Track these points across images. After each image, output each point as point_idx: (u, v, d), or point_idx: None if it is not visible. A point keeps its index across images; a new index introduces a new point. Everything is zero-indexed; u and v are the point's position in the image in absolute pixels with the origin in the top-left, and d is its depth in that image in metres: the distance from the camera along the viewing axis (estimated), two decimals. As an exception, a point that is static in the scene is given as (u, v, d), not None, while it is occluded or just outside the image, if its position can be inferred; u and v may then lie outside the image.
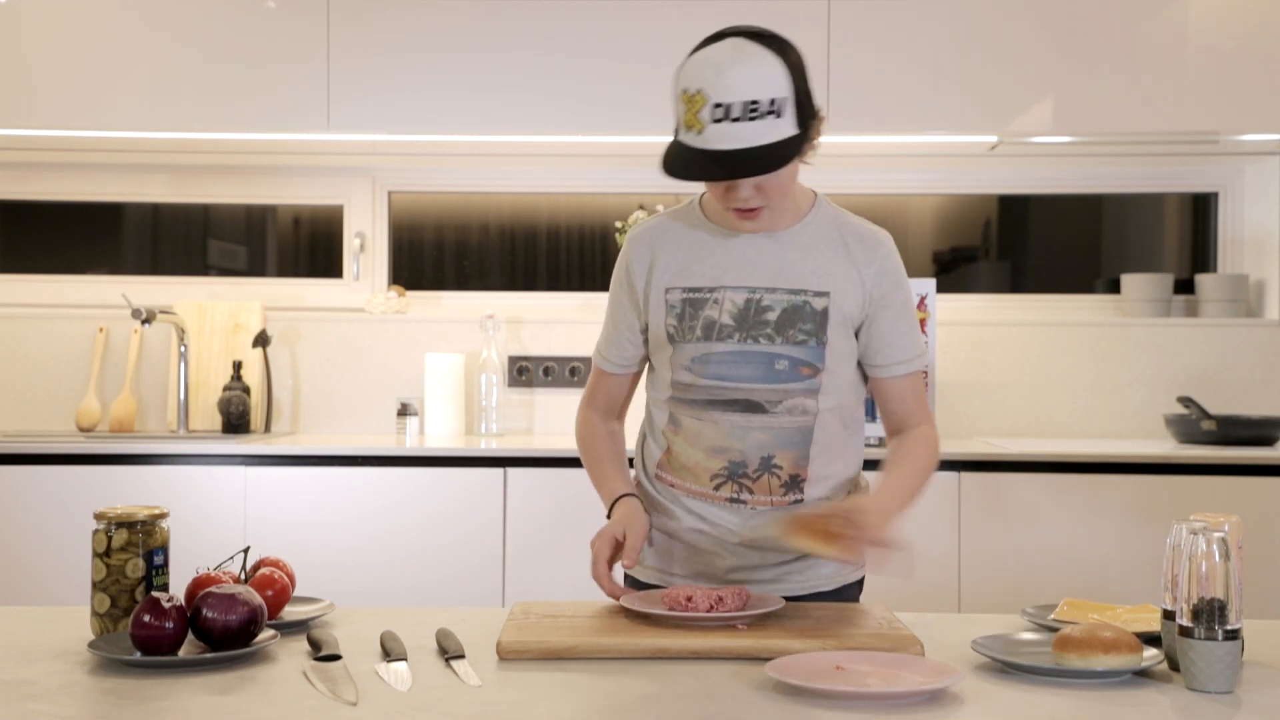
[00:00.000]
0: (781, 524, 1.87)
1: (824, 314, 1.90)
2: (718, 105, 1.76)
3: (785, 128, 1.79)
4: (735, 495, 1.96)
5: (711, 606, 1.74)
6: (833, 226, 1.96)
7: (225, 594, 1.60)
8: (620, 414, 2.13)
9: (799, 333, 1.90)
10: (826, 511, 1.83)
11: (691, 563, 2.02)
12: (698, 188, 2.00)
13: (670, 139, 1.86)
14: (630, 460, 2.11)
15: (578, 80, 3.78)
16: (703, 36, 1.86)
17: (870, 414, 3.61)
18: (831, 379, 1.93)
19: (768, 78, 1.77)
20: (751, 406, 1.92)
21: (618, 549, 1.91)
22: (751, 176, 1.81)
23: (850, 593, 2.05)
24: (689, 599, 1.75)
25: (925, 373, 2.01)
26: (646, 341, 2.03)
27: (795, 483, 1.95)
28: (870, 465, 2.06)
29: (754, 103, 1.76)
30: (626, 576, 2.07)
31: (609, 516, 1.99)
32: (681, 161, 1.81)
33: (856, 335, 1.96)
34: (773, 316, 1.90)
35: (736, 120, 1.76)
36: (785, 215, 1.94)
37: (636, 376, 2.10)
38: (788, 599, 1.88)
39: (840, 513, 1.80)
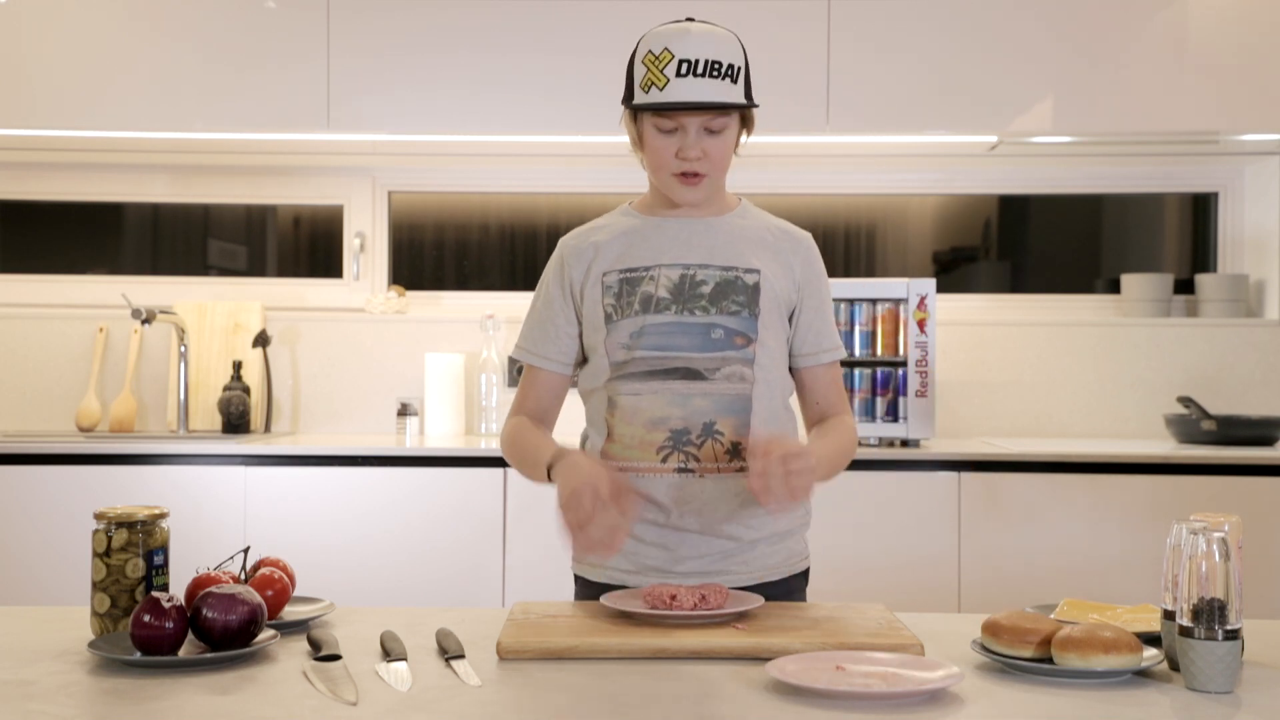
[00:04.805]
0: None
1: (755, 288, 1.97)
2: (684, 61, 1.88)
3: (737, 95, 1.93)
4: (683, 465, 1.96)
5: (695, 605, 1.74)
6: (759, 223, 2.05)
7: (225, 594, 1.60)
8: (549, 424, 2.08)
9: (732, 304, 1.97)
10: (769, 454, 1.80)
11: (636, 557, 1.99)
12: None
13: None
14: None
15: (578, 80, 3.78)
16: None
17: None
18: (765, 352, 1.97)
19: (728, 46, 1.92)
20: (691, 374, 1.95)
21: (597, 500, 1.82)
22: (712, 110, 1.90)
23: (795, 583, 2.04)
24: (673, 597, 1.75)
25: (841, 368, 2.10)
26: (580, 337, 2.02)
27: (737, 450, 1.96)
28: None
29: (717, 63, 1.89)
30: (576, 578, 2.07)
31: (549, 478, 1.93)
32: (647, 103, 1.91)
33: (791, 324, 2.02)
34: (707, 290, 1.97)
35: (699, 76, 1.88)
36: (715, 205, 2.03)
37: (566, 381, 2.06)
38: (731, 589, 1.90)
39: (780, 459, 1.78)
